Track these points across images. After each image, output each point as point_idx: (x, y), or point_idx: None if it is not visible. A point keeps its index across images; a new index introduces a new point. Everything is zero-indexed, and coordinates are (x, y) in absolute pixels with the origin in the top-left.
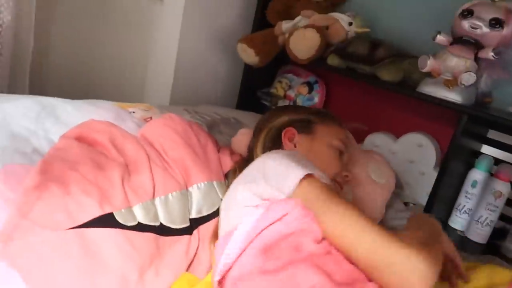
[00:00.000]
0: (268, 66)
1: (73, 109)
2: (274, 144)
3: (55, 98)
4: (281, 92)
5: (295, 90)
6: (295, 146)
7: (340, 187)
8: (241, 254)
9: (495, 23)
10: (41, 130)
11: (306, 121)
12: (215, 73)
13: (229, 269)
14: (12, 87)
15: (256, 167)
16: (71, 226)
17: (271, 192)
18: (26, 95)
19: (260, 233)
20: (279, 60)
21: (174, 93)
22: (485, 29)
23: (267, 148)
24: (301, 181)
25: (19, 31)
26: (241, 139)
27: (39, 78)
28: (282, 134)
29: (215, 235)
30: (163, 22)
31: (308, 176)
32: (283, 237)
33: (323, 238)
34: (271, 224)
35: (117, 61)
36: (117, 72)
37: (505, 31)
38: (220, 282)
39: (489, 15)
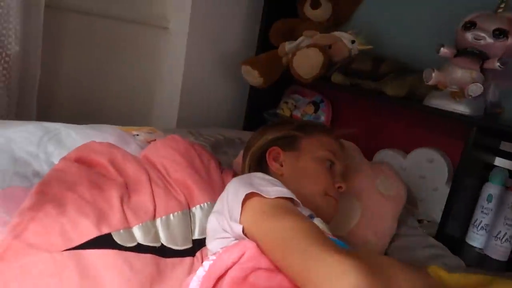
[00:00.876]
0: (274, 87)
1: (76, 133)
2: (259, 165)
3: (59, 123)
4: (287, 113)
5: (301, 110)
6: (281, 166)
7: (334, 200)
8: None
9: (499, 34)
10: (42, 153)
11: (290, 137)
12: (221, 96)
13: None
14: (19, 115)
15: (221, 195)
16: (67, 248)
17: (228, 224)
18: (30, 121)
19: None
20: (285, 81)
21: (180, 118)
22: (489, 40)
23: (252, 171)
24: (244, 202)
25: (26, 61)
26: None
27: (46, 106)
28: (267, 154)
29: None
30: (169, 49)
31: (250, 195)
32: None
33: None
34: (227, 271)
35: (124, 87)
36: (124, 99)
37: (510, 40)
38: None
39: (492, 25)
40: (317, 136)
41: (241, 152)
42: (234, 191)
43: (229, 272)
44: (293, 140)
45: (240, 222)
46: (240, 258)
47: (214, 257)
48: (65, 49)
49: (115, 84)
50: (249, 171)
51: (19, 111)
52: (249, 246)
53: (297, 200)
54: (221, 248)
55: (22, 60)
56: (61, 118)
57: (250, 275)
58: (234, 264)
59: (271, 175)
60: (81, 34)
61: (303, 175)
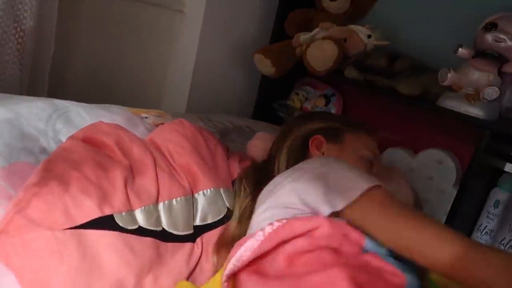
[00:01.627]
0: (285, 78)
1: (86, 112)
2: (300, 152)
3: (69, 101)
4: (297, 104)
5: (311, 103)
6: (323, 155)
7: None
8: (261, 255)
9: None
10: (51, 130)
11: (334, 129)
12: (232, 83)
13: (243, 267)
14: (31, 91)
15: (315, 173)
16: (69, 226)
17: (318, 203)
18: (40, 98)
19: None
20: (297, 72)
21: (190, 102)
22: (510, 43)
23: (292, 156)
24: (368, 190)
25: (40, 37)
26: (257, 144)
27: (58, 83)
28: (310, 142)
29: (220, 244)
30: (183, 32)
31: (375, 187)
32: (306, 252)
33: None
34: (293, 238)
35: (136, 68)
36: (135, 80)
37: None
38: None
39: None
40: (361, 134)
41: (258, 135)
42: (339, 175)
43: (295, 241)
44: (338, 132)
45: (347, 208)
46: (311, 231)
47: (282, 222)
48: (80, 27)
49: (127, 65)
50: (288, 157)
51: (30, 87)
52: (324, 224)
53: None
54: (282, 219)
55: (36, 36)
56: (71, 95)
57: (317, 251)
58: (303, 234)
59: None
60: (96, 13)
61: None
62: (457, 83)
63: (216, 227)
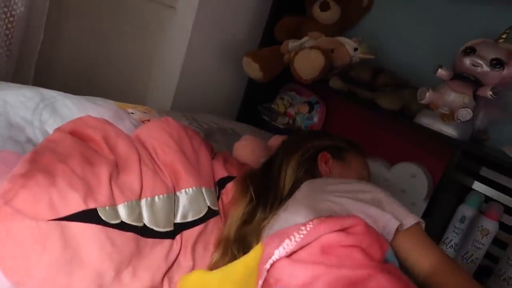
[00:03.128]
0: (272, 82)
1: (73, 103)
2: (309, 164)
3: (56, 91)
4: (281, 109)
5: (295, 108)
6: (329, 171)
7: None
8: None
9: (496, 63)
10: (37, 120)
11: (338, 147)
12: (219, 83)
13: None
14: (17, 79)
15: (369, 194)
16: (53, 218)
17: (388, 218)
18: (28, 86)
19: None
20: (283, 77)
21: (176, 99)
22: (486, 68)
23: (301, 167)
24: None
25: (30, 23)
26: (246, 145)
27: (44, 72)
28: (319, 157)
29: (198, 242)
30: (174, 29)
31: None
32: (340, 246)
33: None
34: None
35: (124, 62)
36: (122, 72)
37: (506, 72)
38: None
39: (491, 55)
40: (360, 155)
41: (245, 137)
42: (394, 206)
43: (332, 233)
44: (341, 151)
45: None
46: (347, 228)
47: (322, 218)
48: (70, 17)
49: (115, 58)
50: (298, 167)
51: (16, 73)
52: (361, 223)
53: None
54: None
55: (26, 22)
56: (57, 85)
57: (350, 247)
58: (341, 230)
59: (316, 176)
60: (87, 3)
61: None
62: (434, 102)
63: (196, 225)
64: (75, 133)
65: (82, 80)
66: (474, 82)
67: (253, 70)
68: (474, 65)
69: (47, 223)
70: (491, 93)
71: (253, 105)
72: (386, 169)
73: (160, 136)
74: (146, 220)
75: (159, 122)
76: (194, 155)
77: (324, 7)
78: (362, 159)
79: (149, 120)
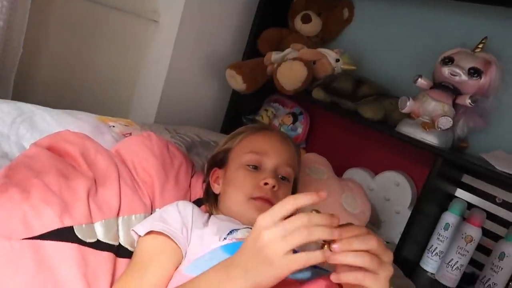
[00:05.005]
0: (256, 93)
1: (51, 118)
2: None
3: (35, 105)
4: (266, 120)
5: (279, 119)
6: (219, 185)
7: (262, 201)
8: None
9: (474, 72)
10: (14, 135)
11: (222, 153)
12: (202, 96)
13: None
14: None
15: None
16: (26, 236)
17: None
18: (6, 100)
19: None
20: (267, 89)
21: (160, 112)
22: (464, 77)
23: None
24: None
25: (9, 37)
26: None
27: (23, 86)
28: (210, 178)
29: None
30: (156, 42)
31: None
32: None
33: None
34: None
35: (106, 76)
36: (104, 87)
37: (483, 80)
38: None
39: (469, 64)
40: (242, 141)
41: None
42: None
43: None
44: (225, 155)
45: None
46: None
47: None
48: (51, 30)
49: (96, 72)
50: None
51: None
52: None
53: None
54: None
55: (5, 36)
56: (37, 100)
57: None
58: None
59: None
60: (68, 17)
61: (228, 187)
62: (415, 111)
63: None
64: (53, 148)
65: (64, 95)
66: (453, 90)
67: (237, 82)
68: (453, 74)
69: (20, 242)
70: (469, 101)
71: (238, 117)
72: (371, 178)
73: (141, 152)
74: (122, 239)
75: (141, 137)
76: (174, 173)
77: (306, 19)
78: (244, 145)
79: (130, 134)
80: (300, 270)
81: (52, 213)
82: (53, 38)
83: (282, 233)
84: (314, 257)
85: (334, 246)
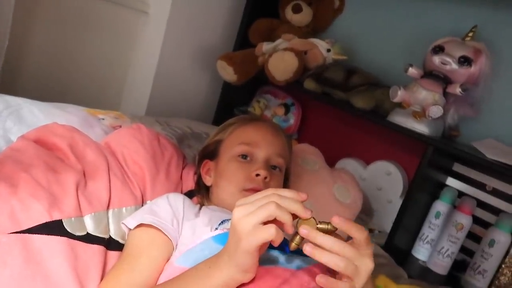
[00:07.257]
0: (248, 84)
1: (39, 111)
2: (200, 179)
3: (23, 98)
4: (258, 111)
5: (271, 111)
6: (211, 177)
7: (254, 192)
8: None
9: (464, 61)
10: (0, 129)
11: (213, 145)
12: (194, 87)
13: None
14: None
15: None
16: (14, 231)
17: None
18: None
19: None
20: (259, 80)
21: (150, 104)
22: (454, 66)
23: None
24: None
25: None
26: None
27: (11, 80)
28: (201, 171)
29: None
30: (146, 34)
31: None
32: None
33: None
34: None
35: (95, 68)
36: (94, 80)
37: (473, 69)
38: None
39: (459, 52)
40: (233, 133)
41: None
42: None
43: None
44: (216, 147)
45: None
46: None
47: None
48: (38, 21)
49: (86, 64)
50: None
51: None
52: None
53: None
54: None
55: None
56: (25, 93)
57: None
58: None
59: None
60: (56, 8)
61: (220, 179)
62: (406, 101)
63: None
64: (40, 141)
65: (52, 88)
66: (443, 79)
67: (228, 73)
68: (443, 63)
69: (7, 236)
70: (460, 90)
71: (230, 108)
72: (363, 168)
73: (131, 144)
74: (112, 231)
75: (131, 129)
76: (165, 165)
77: (297, 9)
78: (235, 137)
79: (120, 126)
80: (291, 260)
81: (40, 207)
82: (40, 29)
83: (251, 209)
84: (284, 229)
85: (302, 230)
